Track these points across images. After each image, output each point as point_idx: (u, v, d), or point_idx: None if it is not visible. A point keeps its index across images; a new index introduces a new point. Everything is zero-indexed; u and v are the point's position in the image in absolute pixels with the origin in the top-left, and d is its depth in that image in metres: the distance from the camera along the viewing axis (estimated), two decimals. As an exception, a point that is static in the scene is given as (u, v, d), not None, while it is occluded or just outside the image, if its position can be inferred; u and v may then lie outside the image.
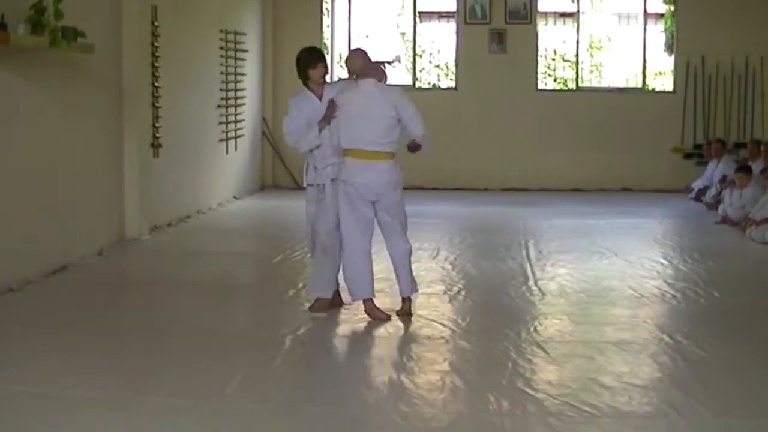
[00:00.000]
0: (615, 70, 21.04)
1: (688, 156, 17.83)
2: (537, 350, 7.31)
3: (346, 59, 8.58)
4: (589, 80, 19.70)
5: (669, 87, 18.83)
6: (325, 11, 19.01)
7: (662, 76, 20.29)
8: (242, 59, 16.75)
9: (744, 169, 14.20)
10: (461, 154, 18.17)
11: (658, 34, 21.07)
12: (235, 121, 16.43)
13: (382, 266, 9.17)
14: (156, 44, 12.77)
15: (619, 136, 18.04)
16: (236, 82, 16.48)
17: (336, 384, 6.62)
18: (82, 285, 9.76)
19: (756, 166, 14.63)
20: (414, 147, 8.29)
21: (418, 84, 19.15)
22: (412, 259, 8.99)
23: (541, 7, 18.61)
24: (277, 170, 18.30)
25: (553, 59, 20.60)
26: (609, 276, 10.23)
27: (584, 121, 18.17)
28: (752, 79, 17.83)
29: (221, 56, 15.81)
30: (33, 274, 9.60)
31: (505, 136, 18.26)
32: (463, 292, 9.42)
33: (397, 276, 8.44)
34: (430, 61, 20.56)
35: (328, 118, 8.35)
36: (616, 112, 18.14)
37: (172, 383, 6.46)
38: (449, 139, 18.04)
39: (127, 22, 11.89)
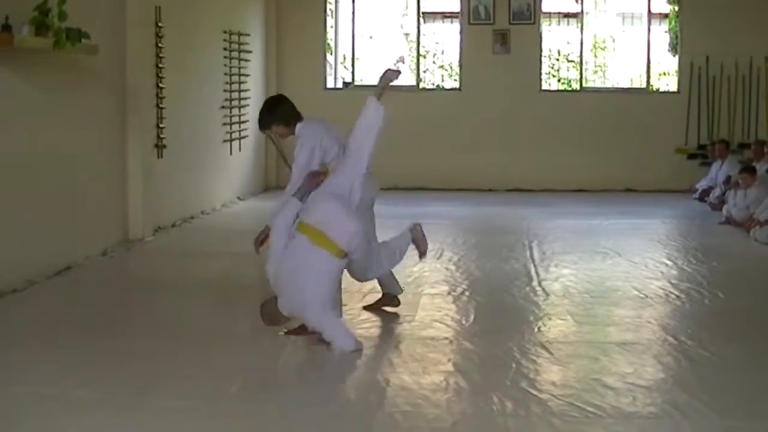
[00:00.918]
0: (619, 70, 21.04)
1: (692, 156, 17.82)
2: (541, 351, 7.31)
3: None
4: (593, 81, 19.68)
5: (673, 87, 18.82)
6: (328, 12, 19.02)
7: (666, 77, 20.28)
8: (246, 60, 16.76)
9: (748, 169, 14.20)
10: (465, 155, 18.16)
11: (662, 34, 21.06)
12: (239, 122, 16.44)
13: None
14: (160, 45, 12.78)
15: (623, 136, 18.03)
16: (240, 83, 16.48)
17: (339, 384, 6.62)
18: (86, 286, 9.77)
19: (760, 167, 14.62)
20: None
21: (422, 85, 19.16)
22: (416, 259, 8.95)
23: (545, 7, 18.62)
24: (281, 171, 18.28)
25: (557, 60, 20.59)
26: (613, 276, 10.23)
27: (588, 121, 18.16)
28: (756, 79, 17.82)
29: (225, 57, 15.82)
30: (37, 275, 9.61)
31: (509, 137, 18.25)
32: (467, 293, 9.42)
33: None
34: (434, 62, 20.57)
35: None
36: (620, 113, 18.14)
37: (175, 384, 6.46)
38: (453, 139, 18.08)
39: (131, 23, 11.91)
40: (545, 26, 18.83)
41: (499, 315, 8.59)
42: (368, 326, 8.15)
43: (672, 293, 9.37)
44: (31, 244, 9.60)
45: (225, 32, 15.84)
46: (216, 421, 5.83)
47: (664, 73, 20.47)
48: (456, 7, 18.62)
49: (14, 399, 6.15)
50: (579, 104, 18.38)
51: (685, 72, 18.08)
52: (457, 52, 18.86)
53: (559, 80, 20.79)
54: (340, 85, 19.21)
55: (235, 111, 16.29)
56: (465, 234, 13.21)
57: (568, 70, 20.66)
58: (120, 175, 11.85)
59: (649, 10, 18.65)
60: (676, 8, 19.13)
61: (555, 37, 19.72)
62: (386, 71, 7.74)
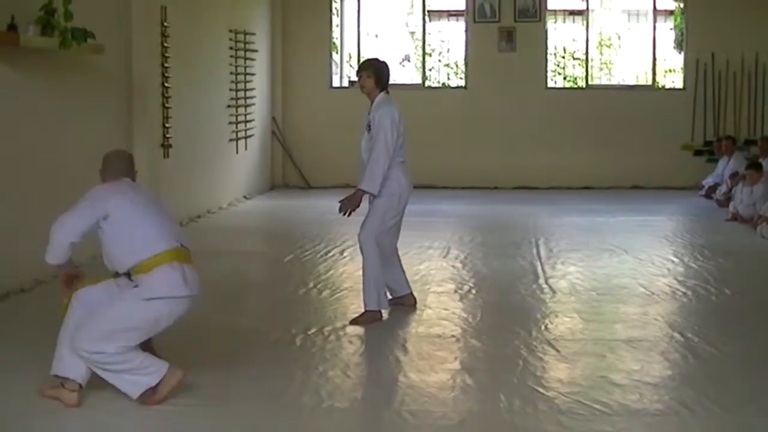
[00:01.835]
0: (625, 67, 21.00)
1: (698, 153, 17.82)
2: (548, 348, 7.31)
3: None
4: (599, 78, 19.66)
5: (679, 84, 18.80)
6: (334, 11, 19.02)
7: (672, 74, 20.26)
8: (252, 59, 16.76)
9: (755, 165, 14.20)
10: (471, 153, 18.18)
11: (667, 31, 21.05)
12: (245, 121, 16.45)
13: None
14: (166, 45, 12.80)
15: (629, 133, 18.02)
16: (246, 82, 16.49)
17: (346, 382, 6.62)
18: (93, 285, 9.77)
19: (767, 163, 14.61)
20: None
21: (427, 83, 19.14)
22: (423, 257, 8.94)
23: (551, 5, 18.61)
24: (287, 170, 18.31)
25: (563, 57, 20.56)
26: (619, 274, 10.23)
27: (594, 119, 18.15)
28: (762, 75, 17.80)
29: (231, 56, 15.82)
30: (44, 274, 9.61)
31: (515, 135, 18.25)
32: (473, 291, 9.42)
33: None
34: (439, 60, 20.53)
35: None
36: (626, 110, 18.12)
37: (183, 384, 6.46)
38: (459, 137, 18.10)
39: (137, 22, 11.91)
40: (551, 24, 18.83)
41: (505, 313, 8.59)
42: (375, 324, 8.15)
43: (679, 290, 9.36)
44: (38, 244, 9.59)
45: (231, 31, 15.84)
46: (225, 421, 5.83)
47: (670, 70, 20.45)
48: (461, 5, 18.62)
49: (23, 398, 6.16)
50: (585, 102, 18.37)
51: (690, 69, 18.07)
52: (463, 50, 18.87)
53: (564, 78, 20.77)
54: (345, 83, 19.21)
55: (241, 110, 16.30)
56: (471, 232, 13.22)
57: (573, 68, 20.63)
58: (126, 175, 11.85)
59: (655, 7, 18.64)
60: (682, 5, 19.10)
61: (561, 35, 19.70)
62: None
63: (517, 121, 18.27)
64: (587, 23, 18.78)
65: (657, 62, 18.67)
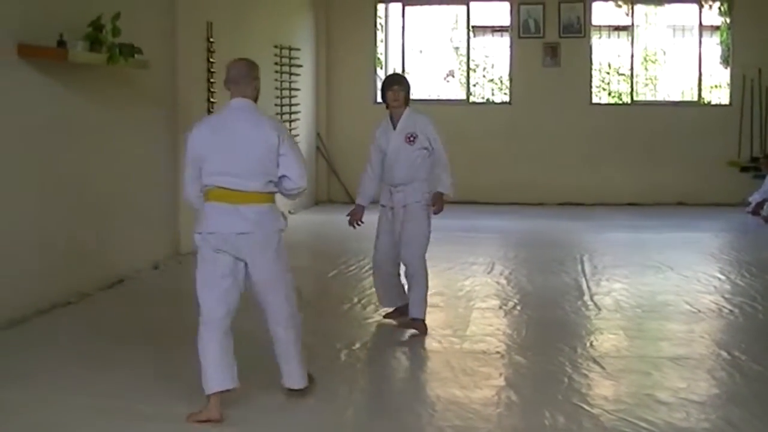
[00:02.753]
0: (670, 83, 20.91)
1: (744, 169, 17.66)
2: (593, 365, 7.27)
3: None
4: (643, 94, 19.59)
5: (725, 100, 18.69)
6: (378, 26, 19.06)
7: (718, 89, 20.13)
8: (296, 74, 16.82)
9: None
10: (515, 169, 18.16)
11: (713, 46, 20.92)
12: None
13: (436, 281, 9.19)
14: (211, 60, 12.87)
15: (674, 149, 17.93)
16: (290, 97, 16.55)
17: (390, 397, 6.62)
18: (138, 298, 9.85)
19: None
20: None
21: (471, 98, 19.15)
22: (467, 273, 8.96)
23: (595, 20, 18.56)
24: (332, 185, 18.36)
25: (608, 73, 20.50)
26: (665, 291, 10.16)
27: (639, 134, 18.07)
28: (809, 91, 17.68)
29: (275, 72, 15.89)
30: (90, 288, 9.70)
31: (560, 150, 18.20)
32: (518, 307, 9.39)
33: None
34: (483, 76, 20.56)
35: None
36: (671, 126, 18.03)
37: (231, 395, 6.48)
38: (503, 153, 18.07)
39: (183, 38, 12.00)
40: (595, 39, 18.77)
41: (550, 329, 8.55)
42: (419, 340, 8.15)
43: (725, 308, 9.29)
44: (85, 258, 9.69)
45: (275, 47, 15.91)
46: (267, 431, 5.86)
47: (716, 86, 20.31)
48: (506, 20, 18.61)
49: (74, 412, 6.19)
50: (630, 117, 18.28)
51: (736, 84, 17.96)
52: (507, 66, 18.84)
53: (609, 93, 20.70)
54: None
55: (286, 125, 16.35)
56: (516, 248, 13.19)
57: (618, 83, 20.56)
58: (171, 190, 11.92)
59: (701, 23, 18.53)
60: (728, 20, 19.00)
61: (605, 50, 19.64)
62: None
63: (562, 136, 18.22)
64: (632, 38, 18.70)
65: (703, 78, 18.55)
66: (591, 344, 7.97)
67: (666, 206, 17.66)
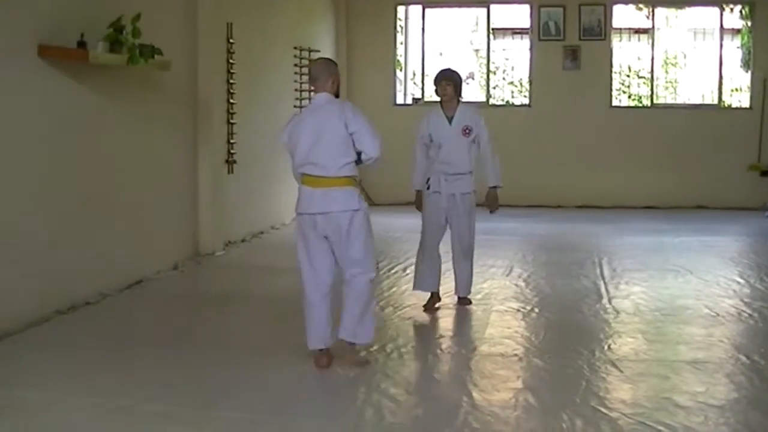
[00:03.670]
0: (690, 86, 20.84)
1: (765, 173, 17.60)
2: (611, 369, 7.25)
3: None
4: (664, 97, 19.51)
5: (746, 103, 18.62)
6: (398, 28, 19.07)
7: (738, 93, 20.06)
8: (316, 76, 16.80)
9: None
10: (535, 171, 18.14)
11: (734, 50, 20.85)
12: (309, 138, 16.49)
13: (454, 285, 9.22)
14: (231, 61, 12.89)
15: (694, 153, 17.88)
16: (310, 98, 16.48)
17: (408, 400, 6.61)
18: (157, 299, 9.87)
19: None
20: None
21: (491, 101, 19.15)
22: (486, 276, 8.94)
23: (616, 23, 18.53)
24: (351, 186, 18.34)
25: (628, 76, 20.46)
26: (684, 294, 10.12)
27: (659, 138, 18.03)
28: (831, 95, 17.59)
29: (295, 73, 15.89)
30: (109, 288, 9.73)
31: (579, 153, 18.18)
32: (536, 310, 9.38)
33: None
34: (503, 78, 20.54)
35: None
36: (691, 129, 17.99)
37: (244, 398, 6.50)
38: (523, 155, 18.03)
39: (203, 39, 12.04)
40: (616, 42, 18.73)
41: (568, 332, 8.54)
42: (437, 342, 8.15)
43: (744, 312, 9.25)
44: (104, 258, 9.72)
45: (295, 48, 15.92)
46: (285, 435, 5.87)
47: (737, 89, 20.24)
48: (526, 23, 18.60)
49: (86, 411, 6.21)
50: (650, 120, 18.25)
51: (757, 88, 17.89)
52: (527, 68, 18.83)
53: (629, 96, 20.66)
54: (409, 101, 19.26)
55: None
56: (534, 251, 13.17)
57: (639, 86, 20.51)
58: (191, 191, 11.97)
59: (722, 26, 18.47)
60: (749, 24, 18.93)
61: (626, 53, 19.59)
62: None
63: (581, 139, 18.19)
64: (653, 41, 18.65)
65: (723, 81, 18.49)
66: (609, 347, 7.95)
67: (685, 210, 17.61)
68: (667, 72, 21.02)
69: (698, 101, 19.19)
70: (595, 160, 18.13)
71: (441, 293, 9.60)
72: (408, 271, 11.07)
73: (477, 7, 19.45)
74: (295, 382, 6.87)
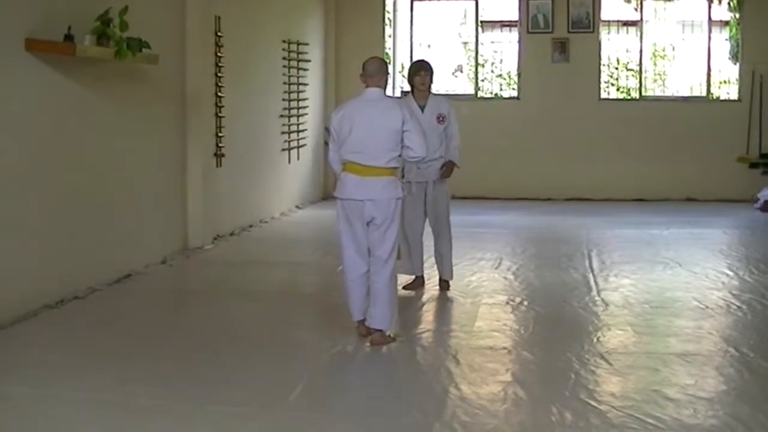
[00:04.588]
0: (679, 78, 20.82)
1: (753, 165, 17.61)
2: (600, 361, 7.26)
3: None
4: (652, 89, 19.49)
5: (734, 96, 18.62)
6: (387, 21, 19.04)
7: (727, 85, 20.05)
8: (305, 69, 16.82)
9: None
10: (523, 164, 18.13)
11: (722, 42, 20.84)
12: (298, 131, 16.51)
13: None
14: (219, 54, 12.86)
15: (683, 145, 17.89)
16: (299, 92, 16.55)
17: (397, 393, 6.61)
18: (146, 293, 9.85)
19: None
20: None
21: (480, 93, 19.12)
22: (475, 269, 8.93)
23: (604, 16, 18.52)
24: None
25: (616, 68, 20.42)
26: (673, 287, 10.14)
27: (648, 130, 18.04)
28: (819, 87, 17.61)
29: (284, 66, 15.88)
30: (98, 282, 9.71)
31: (568, 146, 18.18)
32: (525, 303, 9.38)
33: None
34: (492, 71, 20.49)
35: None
36: (680, 122, 18.00)
37: (234, 391, 6.50)
38: (511, 148, 18.04)
39: (191, 32, 12.01)
40: (604, 35, 18.72)
41: (558, 325, 8.55)
42: (426, 336, 8.16)
43: (733, 304, 9.26)
44: (93, 252, 9.70)
45: (284, 41, 15.90)
46: (274, 428, 5.86)
47: (725, 82, 20.23)
48: (515, 15, 18.58)
49: (75, 405, 6.21)
50: (638, 113, 18.26)
51: (746, 80, 17.90)
52: (516, 61, 18.82)
53: (618, 89, 20.63)
54: (398, 93, 19.22)
55: (294, 120, 16.35)
56: (523, 243, 13.17)
57: (627, 79, 20.48)
58: (180, 184, 11.94)
59: (710, 18, 18.49)
60: (737, 16, 18.93)
61: (614, 46, 19.57)
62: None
63: (570, 132, 18.20)
64: (641, 34, 18.66)
65: (712, 73, 18.51)
66: (598, 340, 7.96)
67: (674, 202, 17.63)
68: (655, 64, 21.01)
69: (687, 93, 19.18)
70: (584, 153, 18.13)
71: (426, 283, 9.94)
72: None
73: (465, -1, 19.43)
74: (285, 376, 6.86)
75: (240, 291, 10.03)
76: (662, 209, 16.72)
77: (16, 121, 8.41)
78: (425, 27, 20.33)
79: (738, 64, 18.58)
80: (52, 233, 8.99)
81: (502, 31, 20.62)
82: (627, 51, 19.82)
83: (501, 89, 20.17)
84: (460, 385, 6.65)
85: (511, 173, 18.05)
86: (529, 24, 18.26)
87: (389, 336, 7.79)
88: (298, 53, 16.52)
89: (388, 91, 18.36)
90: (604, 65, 18.91)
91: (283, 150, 15.93)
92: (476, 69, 19.29)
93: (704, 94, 18.52)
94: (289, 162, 16.19)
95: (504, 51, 19.83)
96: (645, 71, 19.01)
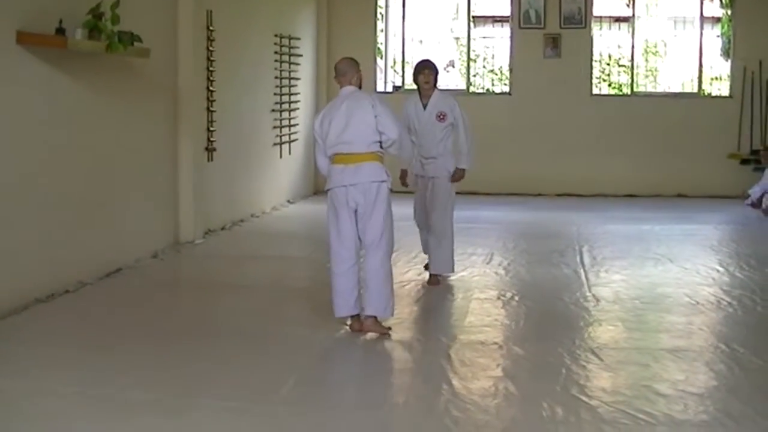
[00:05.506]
0: (671, 75, 20.86)
1: (744, 162, 17.64)
2: (591, 357, 7.26)
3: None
4: (644, 85, 19.52)
5: (725, 92, 18.65)
6: (379, 16, 19.03)
7: (719, 81, 20.10)
8: (296, 64, 16.80)
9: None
10: (515, 160, 18.14)
11: (714, 38, 20.89)
12: (289, 126, 16.49)
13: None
14: (211, 48, 12.84)
15: (674, 141, 17.90)
16: (290, 86, 16.53)
17: (389, 388, 6.62)
18: (136, 287, 9.84)
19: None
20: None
21: (472, 89, 19.13)
22: (466, 264, 8.92)
23: (596, 11, 18.52)
24: (331, 174, 18.30)
25: (608, 64, 20.46)
26: (664, 283, 10.15)
27: (639, 126, 18.04)
28: (811, 83, 17.64)
29: (276, 61, 15.87)
30: (88, 276, 9.69)
31: (560, 142, 18.18)
32: (516, 298, 9.38)
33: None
34: (484, 66, 20.51)
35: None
36: (671, 118, 18.01)
37: (225, 386, 6.49)
38: (503, 144, 18.04)
39: (183, 26, 11.99)
40: (596, 30, 18.72)
41: (549, 320, 8.55)
42: (417, 331, 8.16)
43: (724, 300, 9.28)
44: (83, 246, 9.68)
45: (276, 36, 15.89)
46: (265, 422, 5.85)
47: (717, 78, 20.28)
48: (506, 11, 18.58)
49: (66, 399, 6.20)
50: (630, 109, 18.26)
51: (737, 76, 17.92)
52: (508, 57, 18.81)
53: (610, 85, 20.66)
54: (390, 89, 19.22)
55: (286, 114, 16.34)
56: (515, 239, 13.17)
57: (619, 75, 20.52)
58: (171, 178, 11.93)
59: (702, 14, 18.48)
60: (729, 12, 18.95)
61: (606, 42, 19.59)
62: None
63: (562, 127, 18.20)
64: (633, 30, 18.66)
65: (703, 69, 18.52)
66: (589, 336, 7.97)
67: (666, 198, 17.65)
68: (647, 60, 21.04)
69: (678, 90, 19.23)
70: (576, 149, 18.13)
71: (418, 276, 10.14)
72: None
73: (457, -6, 19.42)
74: (277, 370, 6.85)
75: (231, 285, 10.02)
76: (653, 205, 16.73)
77: (6, 114, 8.38)
78: (417, 22, 20.33)
79: (729, 60, 18.61)
80: (43, 227, 8.96)
81: (493, 26, 20.61)
82: (619, 47, 19.86)
83: (493, 85, 20.18)
84: (451, 381, 6.65)
85: (503, 169, 18.04)
86: (521, 19, 18.26)
87: (386, 327, 7.84)
88: (290, 48, 16.50)
89: (380, 86, 18.44)
90: (595, 61, 18.92)
91: (275, 145, 15.91)
92: (468, 64, 19.30)
93: (696, 90, 18.55)
94: (281, 157, 16.18)
95: (496, 46, 19.83)
96: (637, 67, 19.03)
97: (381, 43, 19.31)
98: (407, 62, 19.09)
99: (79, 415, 5.93)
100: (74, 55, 9.22)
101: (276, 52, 15.87)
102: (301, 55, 17.03)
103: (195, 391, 6.37)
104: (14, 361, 7.08)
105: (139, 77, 10.89)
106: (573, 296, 9.43)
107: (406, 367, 7.24)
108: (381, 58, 19.38)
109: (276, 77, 15.89)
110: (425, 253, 10.35)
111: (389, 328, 7.86)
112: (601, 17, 19.23)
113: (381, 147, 7.91)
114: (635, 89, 18.76)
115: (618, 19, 20.23)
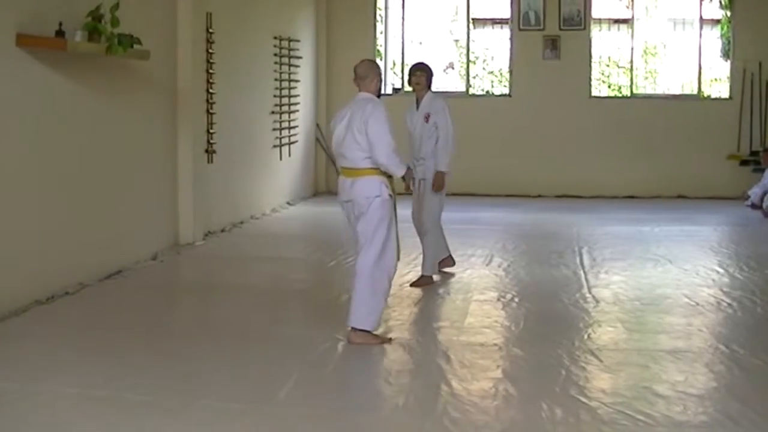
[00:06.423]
0: (670, 76, 20.88)
1: (744, 163, 17.65)
2: (590, 358, 7.27)
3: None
4: (643, 87, 19.54)
5: (725, 93, 18.66)
6: (378, 18, 19.03)
7: (718, 83, 20.11)
8: (296, 66, 16.81)
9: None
10: (515, 161, 18.14)
11: (713, 40, 20.90)
12: (289, 128, 16.50)
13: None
14: (210, 51, 12.84)
15: (674, 143, 17.90)
16: (290, 88, 16.53)
17: (388, 389, 6.61)
18: (136, 289, 9.83)
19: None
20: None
21: (471, 91, 19.14)
22: (466, 265, 8.90)
23: (595, 13, 18.52)
24: (331, 176, 18.32)
25: (608, 66, 20.49)
26: (663, 284, 10.15)
27: (639, 127, 18.05)
28: (810, 85, 17.65)
29: (275, 63, 15.87)
30: (88, 278, 9.70)
31: (559, 143, 18.19)
32: (516, 299, 9.38)
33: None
34: (483, 68, 20.55)
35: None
36: (671, 119, 18.02)
37: (224, 387, 6.49)
38: (503, 145, 18.06)
39: (182, 29, 11.99)
40: (595, 32, 18.73)
41: (548, 322, 8.55)
42: (417, 332, 8.16)
43: (724, 301, 9.28)
44: (83, 248, 9.68)
45: (275, 38, 15.89)
46: (264, 424, 5.85)
47: (716, 79, 20.30)
48: (506, 13, 18.58)
49: (66, 400, 6.20)
50: (629, 110, 18.26)
51: (737, 78, 17.93)
52: (507, 58, 18.82)
53: (609, 86, 20.69)
54: (389, 91, 19.22)
55: (285, 116, 16.34)
56: (514, 240, 13.17)
57: (618, 76, 20.54)
58: (171, 180, 11.93)
59: (701, 16, 18.49)
60: (728, 14, 18.96)
61: (605, 43, 19.61)
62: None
63: (561, 129, 18.21)
64: (632, 31, 18.67)
65: (703, 71, 18.52)
66: (589, 337, 7.97)
67: (665, 199, 17.66)
68: (646, 62, 21.08)
69: (678, 91, 19.24)
70: (575, 150, 18.14)
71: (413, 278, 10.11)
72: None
73: (457, -4, 19.42)
74: (275, 372, 6.85)
75: (231, 287, 10.02)
76: (653, 206, 16.73)
77: (6, 116, 8.38)
78: (416, 24, 20.34)
79: (729, 61, 18.62)
80: (43, 229, 8.97)
81: (493, 28, 20.65)
82: (618, 48, 19.87)
83: (492, 86, 20.21)
84: (450, 382, 6.65)
85: (502, 170, 18.05)
86: (521, 21, 18.26)
87: (375, 336, 7.70)
88: (290, 50, 16.50)
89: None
90: (595, 63, 18.93)
91: (275, 146, 15.92)
92: (467, 66, 19.30)
93: (695, 91, 18.55)
94: (281, 158, 16.19)
95: (495, 48, 19.85)
96: (636, 69, 19.05)
97: (380, 45, 19.32)
98: (407, 64, 19.09)
99: (79, 417, 5.93)
100: (74, 57, 9.23)
101: (275, 54, 15.88)
102: (300, 57, 17.03)
103: (195, 392, 6.37)
104: (14, 362, 7.08)
105: (139, 79, 10.89)
106: (572, 297, 9.43)
107: (405, 368, 7.24)
108: (380, 59, 19.38)
109: (276, 79, 15.89)
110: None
111: (390, 339, 7.77)
112: (600, 19, 19.24)
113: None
114: (635, 91, 18.77)
115: (617, 21, 20.23)
